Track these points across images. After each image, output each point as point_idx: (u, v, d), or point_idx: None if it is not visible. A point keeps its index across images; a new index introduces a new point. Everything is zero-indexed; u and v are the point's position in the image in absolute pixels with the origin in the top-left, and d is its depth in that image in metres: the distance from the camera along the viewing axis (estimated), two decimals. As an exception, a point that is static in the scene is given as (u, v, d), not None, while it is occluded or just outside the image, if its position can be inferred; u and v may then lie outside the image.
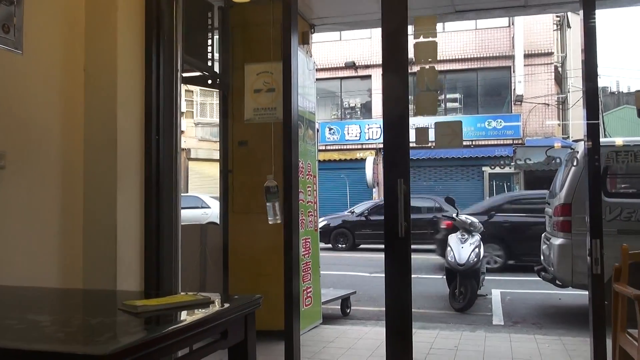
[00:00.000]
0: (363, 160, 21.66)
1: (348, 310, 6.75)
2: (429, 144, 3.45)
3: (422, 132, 3.42)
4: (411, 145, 3.33)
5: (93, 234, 3.47)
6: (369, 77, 22.80)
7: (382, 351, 4.86)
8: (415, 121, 3.48)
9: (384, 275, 3.36)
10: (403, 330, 3.34)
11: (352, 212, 16.54)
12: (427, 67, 3.41)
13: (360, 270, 11.32)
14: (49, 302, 2.43)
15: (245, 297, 2.22)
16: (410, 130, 3.33)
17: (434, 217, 15.78)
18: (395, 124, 3.35)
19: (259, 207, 4.97)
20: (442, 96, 22.96)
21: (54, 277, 3.30)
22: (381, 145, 22.13)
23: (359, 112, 23.77)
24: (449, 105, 23.09)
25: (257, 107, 4.15)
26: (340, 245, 15.88)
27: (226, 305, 2.26)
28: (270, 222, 3.73)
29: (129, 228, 3.56)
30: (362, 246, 16.03)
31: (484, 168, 21.15)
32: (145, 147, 3.70)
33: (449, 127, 3.46)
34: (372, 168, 21.52)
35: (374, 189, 22.19)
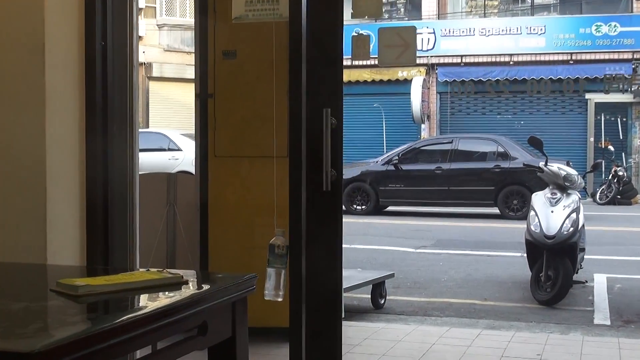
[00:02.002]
0: (408, 81, 21.51)
1: (382, 301, 6.83)
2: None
3: (360, 41, 3.40)
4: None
5: (12, 184, 3.50)
6: (418, -44, 22.45)
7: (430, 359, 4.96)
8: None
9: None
10: (327, 327, 3.39)
11: (378, 162, 16.34)
12: None
13: (400, 243, 11.40)
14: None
15: (233, 277, 2.26)
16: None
17: (495, 166, 15.65)
18: (320, 30, 3.34)
19: (253, 148, 4.99)
20: (528, -14, 22.56)
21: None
22: (435, 60, 21.93)
23: (402, 10, 23.49)
24: (538, 1, 22.69)
25: (251, -1, 4.11)
26: (356, 207, 15.76)
27: (205, 286, 2.31)
28: (265, 297, 3.65)
29: (63, 176, 3.59)
30: (390, 209, 15.85)
31: (588, 95, 20.90)
32: (86, 59, 3.69)
33: (398, 35, 3.43)
34: (420, 94, 21.38)
35: (422, 125, 22.12)
